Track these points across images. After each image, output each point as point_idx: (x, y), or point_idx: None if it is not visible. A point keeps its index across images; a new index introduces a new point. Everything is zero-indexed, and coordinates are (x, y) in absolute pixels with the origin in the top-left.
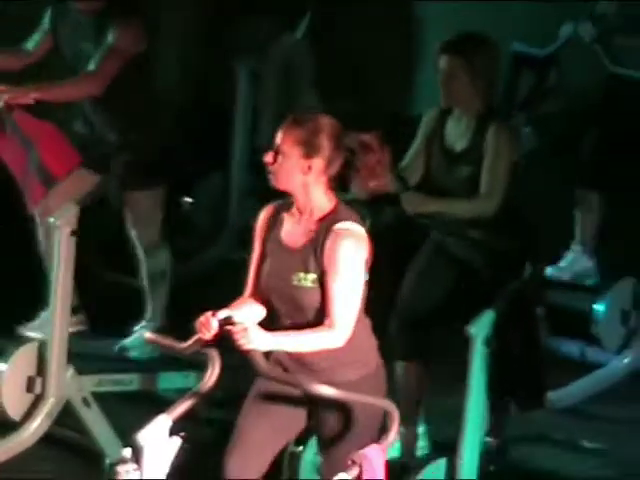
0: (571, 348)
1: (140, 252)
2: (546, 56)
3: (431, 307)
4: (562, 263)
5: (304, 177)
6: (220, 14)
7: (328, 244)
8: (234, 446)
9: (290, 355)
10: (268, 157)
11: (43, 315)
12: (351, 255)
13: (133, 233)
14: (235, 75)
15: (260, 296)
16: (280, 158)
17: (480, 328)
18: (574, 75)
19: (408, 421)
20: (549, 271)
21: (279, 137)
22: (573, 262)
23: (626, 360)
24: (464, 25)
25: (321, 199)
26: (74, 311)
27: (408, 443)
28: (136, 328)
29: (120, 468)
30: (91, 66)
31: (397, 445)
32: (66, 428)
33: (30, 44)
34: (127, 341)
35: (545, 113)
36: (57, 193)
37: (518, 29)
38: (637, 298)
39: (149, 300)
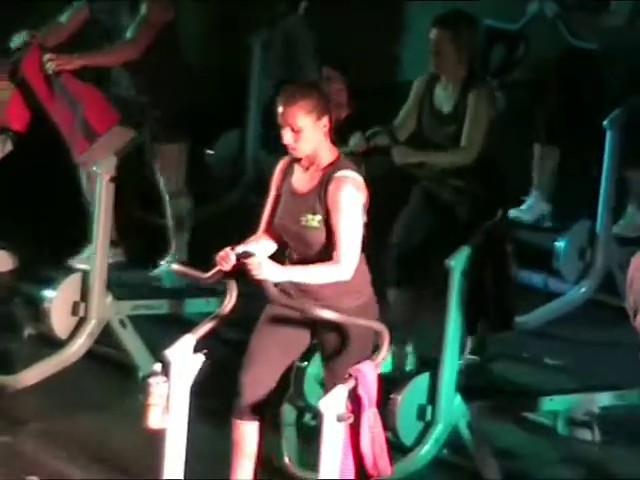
0: (536, 279)
1: (165, 196)
2: (515, 31)
3: (420, 243)
4: (523, 206)
5: (320, 137)
6: None
7: (331, 189)
8: (247, 364)
9: (297, 285)
10: (287, 139)
11: (87, 249)
12: (351, 198)
13: (161, 180)
14: (250, 47)
15: (273, 234)
16: (299, 134)
17: (458, 261)
18: (539, 47)
19: (399, 341)
20: (512, 213)
21: (286, 115)
22: (533, 205)
23: (583, 289)
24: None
25: (326, 152)
26: (113, 245)
27: (398, 360)
28: (164, 261)
29: (151, 380)
30: (128, 35)
31: (389, 361)
32: (105, 346)
33: (64, 18)
34: (157, 271)
35: (514, 80)
36: (98, 146)
37: (491, 4)
38: (591, 237)
39: (174, 237)
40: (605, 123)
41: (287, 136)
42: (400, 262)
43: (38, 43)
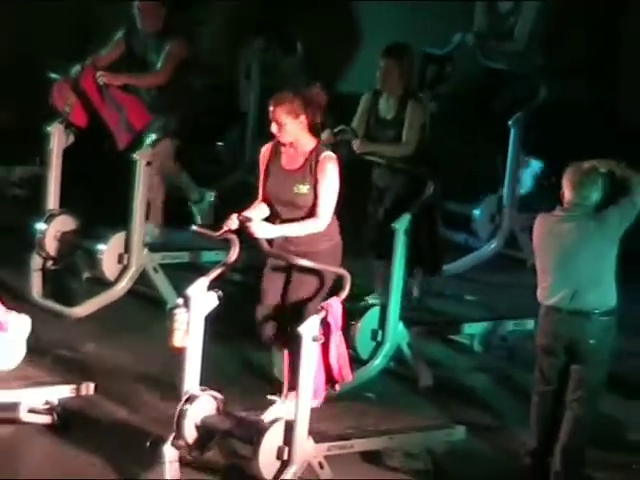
0: (458, 238)
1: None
2: (444, 55)
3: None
4: None
5: (299, 130)
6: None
7: (319, 165)
8: (260, 300)
9: (284, 236)
10: (273, 129)
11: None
12: (333, 170)
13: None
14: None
15: (266, 201)
16: (281, 126)
17: (402, 225)
18: (461, 67)
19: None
20: None
21: (275, 113)
22: None
23: (493, 245)
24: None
25: (307, 140)
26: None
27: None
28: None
29: (176, 311)
30: (158, 66)
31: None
32: (142, 285)
33: (104, 51)
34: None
35: (443, 93)
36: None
37: (427, 36)
38: (499, 207)
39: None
40: (510, 123)
41: (274, 128)
42: (375, 233)
43: (92, 64)
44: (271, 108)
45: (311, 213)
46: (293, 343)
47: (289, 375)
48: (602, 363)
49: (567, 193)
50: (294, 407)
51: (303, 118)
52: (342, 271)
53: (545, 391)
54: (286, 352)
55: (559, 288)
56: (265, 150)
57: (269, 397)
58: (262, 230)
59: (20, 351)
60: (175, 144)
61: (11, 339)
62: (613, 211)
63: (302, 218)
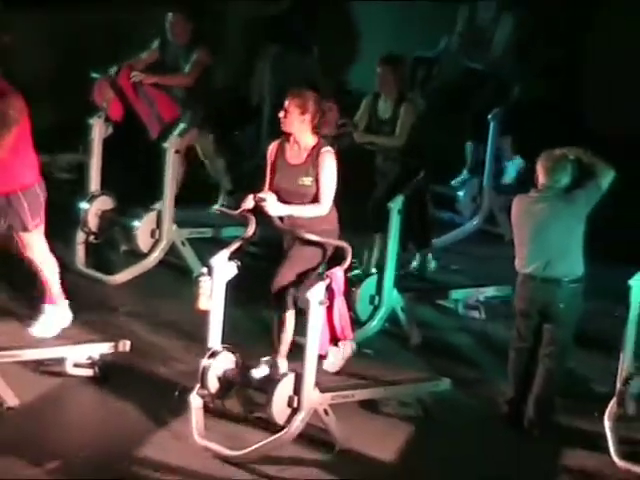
0: (445, 215)
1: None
2: (432, 57)
3: (382, 197)
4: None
5: (300, 125)
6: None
7: (320, 159)
8: (275, 272)
9: (292, 217)
10: (281, 114)
11: (157, 204)
12: (332, 164)
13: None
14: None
15: (272, 192)
16: (287, 114)
17: (396, 205)
18: (447, 68)
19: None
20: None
21: (288, 102)
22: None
23: (474, 222)
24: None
25: (308, 137)
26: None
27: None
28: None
29: (201, 278)
30: (185, 71)
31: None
32: (171, 257)
33: (142, 55)
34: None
35: (432, 90)
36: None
37: (419, 41)
38: (480, 190)
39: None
40: (489, 117)
41: (281, 113)
42: (377, 213)
43: (129, 65)
44: (287, 98)
45: (314, 201)
46: (297, 306)
47: (278, 337)
48: (570, 324)
49: (541, 177)
50: (303, 361)
51: (308, 117)
52: (344, 244)
53: (521, 348)
54: (283, 316)
55: (534, 259)
56: (272, 147)
57: (262, 359)
58: (275, 208)
59: (66, 320)
60: (211, 134)
61: (59, 311)
62: (580, 193)
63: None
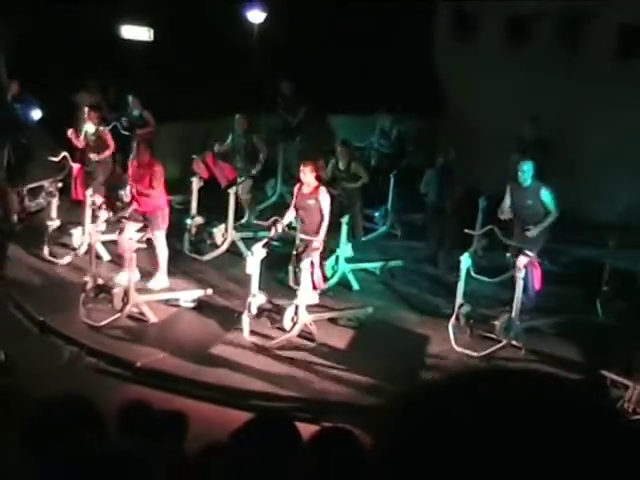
0: (370, 224)
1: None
2: (364, 146)
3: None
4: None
5: (311, 178)
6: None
7: (319, 193)
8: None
9: (304, 225)
10: (301, 174)
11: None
12: (327, 197)
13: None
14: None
15: (295, 209)
16: (304, 174)
17: (345, 220)
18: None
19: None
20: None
21: (304, 167)
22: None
23: (383, 229)
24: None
25: (315, 182)
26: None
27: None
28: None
29: (248, 257)
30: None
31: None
32: (233, 247)
33: (222, 145)
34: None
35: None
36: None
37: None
38: (386, 212)
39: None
40: (391, 175)
41: (301, 174)
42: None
43: (212, 152)
44: (302, 166)
45: (316, 214)
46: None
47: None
48: None
49: None
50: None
51: (315, 174)
52: (324, 238)
53: None
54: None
55: None
56: (297, 187)
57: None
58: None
59: (166, 282)
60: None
61: (162, 276)
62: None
63: (313, 217)
